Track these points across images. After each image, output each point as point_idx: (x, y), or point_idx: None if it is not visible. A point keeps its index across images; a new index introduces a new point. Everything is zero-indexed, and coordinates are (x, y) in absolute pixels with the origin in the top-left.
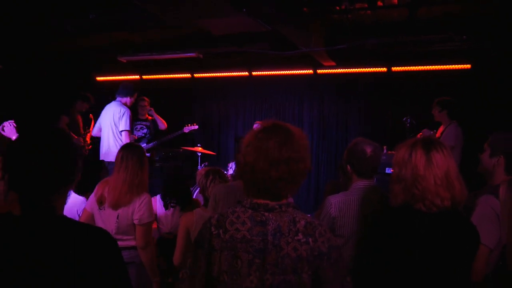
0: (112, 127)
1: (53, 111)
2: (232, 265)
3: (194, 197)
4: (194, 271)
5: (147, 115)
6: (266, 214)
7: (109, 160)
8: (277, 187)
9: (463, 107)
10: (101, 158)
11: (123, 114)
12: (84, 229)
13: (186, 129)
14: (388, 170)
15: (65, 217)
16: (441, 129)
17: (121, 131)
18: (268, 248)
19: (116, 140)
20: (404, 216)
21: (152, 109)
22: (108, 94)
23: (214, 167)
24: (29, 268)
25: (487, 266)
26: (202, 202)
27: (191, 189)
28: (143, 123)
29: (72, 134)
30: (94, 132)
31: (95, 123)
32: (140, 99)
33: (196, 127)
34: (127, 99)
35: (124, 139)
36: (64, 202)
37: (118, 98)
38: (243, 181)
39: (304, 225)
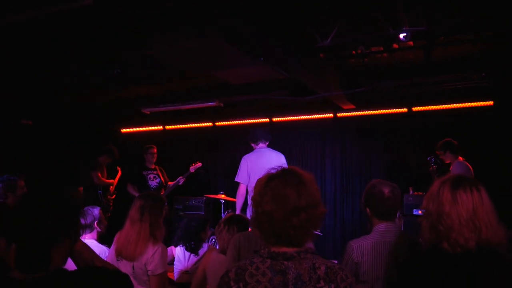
0: None
1: (82, 167)
2: None
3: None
4: None
5: (153, 165)
6: (286, 262)
7: None
8: (298, 235)
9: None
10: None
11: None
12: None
13: (192, 169)
14: (416, 212)
15: (63, 269)
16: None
17: None
18: None
19: None
20: (431, 260)
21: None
22: (133, 145)
23: (234, 215)
24: None
25: None
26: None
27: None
28: (154, 172)
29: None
30: (244, 180)
31: (121, 174)
32: (149, 147)
33: (200, 164)
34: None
35: None
36: (66, 256)
37: (266, 144)
38: (261, 231)
39: (324, 271)
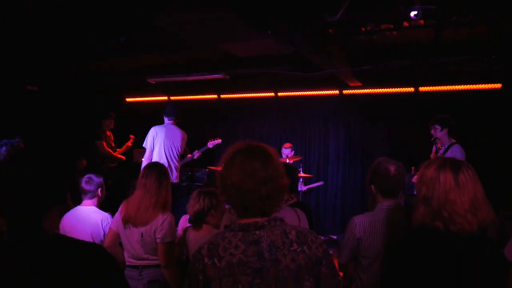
0: (175, 149)
1: (87, 136)
2: None
3: None
4: None
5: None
6: (257, 232)
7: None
8: (266, 205)
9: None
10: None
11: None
12: (75, 245)
13: (210, 144)
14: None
15: (56, 234)
16: (438, 147)
17: (181, 154)
18: (266, 265)
19: (176, 162)
20: (429, 238)
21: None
22: (137, 114)
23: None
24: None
25: None
26: None
27: None
28: None
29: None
30: (150, 147)
31: (133, 142)
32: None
33: (220, 141)
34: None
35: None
36: (55, 220)
37: (172, 120)
38: (230, 203)
39: (295, 235)
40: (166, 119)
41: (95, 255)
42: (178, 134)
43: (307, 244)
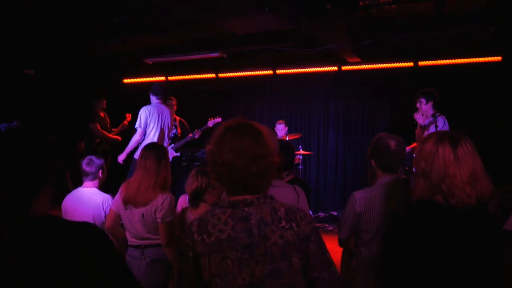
0: (167, 128)
1: (83, 120)
2: (222, 267)
3: None
4: (182, 282)
5: (174, 115)
6: (247, 209)
7: None
8: (257, 183)
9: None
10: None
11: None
12: (68, 229)
13: (210, 123)
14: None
15: (45, 218)
16: (420, 120)
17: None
18: (255, 241)
19: (166, 143)
20: (429, 212)
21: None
22: (134, 95)
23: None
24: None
25: None
26: None
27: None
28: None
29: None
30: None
31: (129, 121)
32: (168, 99)
33: (220, 119)
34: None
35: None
36: (46, 203)
37: (160, 100)
38: (220, 181)
39: (284, 212)
40: (154, 98)
41: (90, 242)
42: (168, 113)
43: (296, 221)
